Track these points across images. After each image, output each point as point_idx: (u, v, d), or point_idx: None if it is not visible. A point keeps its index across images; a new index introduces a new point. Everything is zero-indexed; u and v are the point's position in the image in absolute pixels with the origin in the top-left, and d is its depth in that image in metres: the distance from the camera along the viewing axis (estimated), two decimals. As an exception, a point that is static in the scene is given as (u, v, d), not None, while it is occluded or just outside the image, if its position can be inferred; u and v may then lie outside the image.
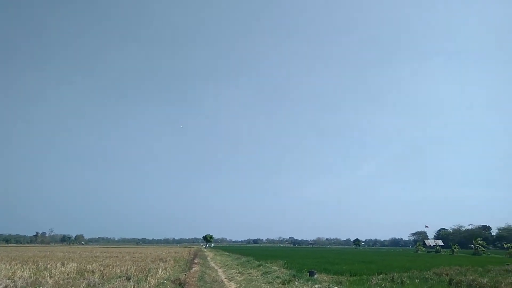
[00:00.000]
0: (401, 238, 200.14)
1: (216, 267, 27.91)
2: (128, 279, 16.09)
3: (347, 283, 15.92)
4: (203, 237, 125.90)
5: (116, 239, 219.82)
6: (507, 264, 27.00)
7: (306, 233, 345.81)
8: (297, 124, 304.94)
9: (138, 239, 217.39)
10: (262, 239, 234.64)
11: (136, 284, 14.23)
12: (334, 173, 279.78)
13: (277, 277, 16.48)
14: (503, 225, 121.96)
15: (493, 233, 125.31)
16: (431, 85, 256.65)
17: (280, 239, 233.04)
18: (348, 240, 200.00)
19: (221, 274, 22.75)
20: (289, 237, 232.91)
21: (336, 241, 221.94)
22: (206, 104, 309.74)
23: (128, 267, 22.13)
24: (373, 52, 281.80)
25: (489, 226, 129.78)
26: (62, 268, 20.98)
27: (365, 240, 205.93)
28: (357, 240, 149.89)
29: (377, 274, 18.98)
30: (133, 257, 35.29)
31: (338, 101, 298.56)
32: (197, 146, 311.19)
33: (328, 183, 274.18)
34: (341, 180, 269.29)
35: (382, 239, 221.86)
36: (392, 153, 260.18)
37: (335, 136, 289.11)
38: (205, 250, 75.00)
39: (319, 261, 30.59)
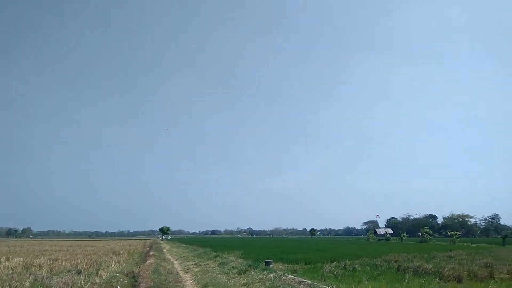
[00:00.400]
0: (354, 227, 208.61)
1: (172, 259, 27.49)
2: (79, 273, 15.44)
3: (302, 271, 16.26)
4: (159, 229, 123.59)
5: (66, 232, 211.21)
6: (450, 251, 28.82)
7: (264, 223, 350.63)
8: (255, 117, 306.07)
9: (91, 232, 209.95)
10: (221, 231, 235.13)
11: (86, 278, 13.66)
12: (291, 165, 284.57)
13: (233, 267, 16.49)
14: (447, 214, 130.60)
15: (439, 222, 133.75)
16: (384, 79, 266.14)
17: (239, 230, 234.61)
18: (304, 230, 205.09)
19: (177, 266, 22.43)
20: (248, 228, 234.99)
21: (293, 231, 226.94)
22: (162, 93, 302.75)
23: (79, 261, 21.24)
24: (329, 46, 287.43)
25: (435, 215, 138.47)
26: (7, 263, 19.76)
27: (321, 229, 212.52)
28: (313, 229, 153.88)
29: (330, 262, 19.57)
30: (85, 251, 33.95)
31: (297, 95, 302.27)
32: (154, 136, 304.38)
33: (286, 175, 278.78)
34: (298, 172, 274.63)
35: (337, 228, 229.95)
36: (347, 146, 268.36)
37: (293, 129, 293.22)
38: (161, 242, 73.69)
39: (276, 250, 31.06)
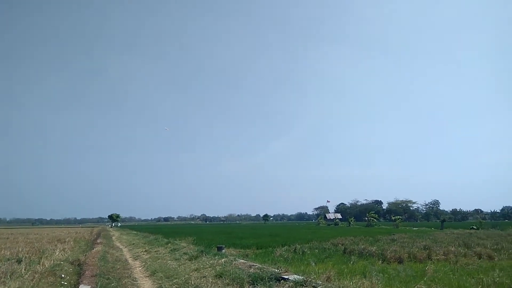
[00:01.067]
0: (306, 213, 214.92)
1: (121, 247, 26.74)
2: (19, 261, 14.50)
3: (253, 256, 16.48)
4: (108, 216, 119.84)
5: (7, 219, 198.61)
6: (393, 234, 30.48)
7: (218, 210, 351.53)
8: (210, 102, 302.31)
9: (34, 220, 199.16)
10: (174, 217, 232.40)
11: (27, 267, 12.86)
12: (245, 151, 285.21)
13: (185, 253, 16.33)
14: (392, 200, 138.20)
15: (384, 207, 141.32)
16: (337, 68, 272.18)
17: (192, 216, 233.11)
18: (258, 215, 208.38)
19: (126, 253, 21.85)
20: (201, 214, 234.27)
21: (247, 217, 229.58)
22: (106, 75, 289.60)
23: (20, 249, 20.00)
24: (280, 35, 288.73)
25: (380, 200, 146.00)
26: None
27: (274, 215, 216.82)
28: (266, 215, 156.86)
29: (282, 246, 19.98)
30: (27, 239, 32.11)
31: (251, 80, 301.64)
32: (103, 120, 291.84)
33: (240, 161, 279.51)
34: (252, 158, 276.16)
35: (289, 214, 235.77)
36: (301, 133, 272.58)
37: (246, 115, 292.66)
38: (110, 229, 71.55)
39: (229, 236, 31.23)
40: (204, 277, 10.14)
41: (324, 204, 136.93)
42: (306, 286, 7.87)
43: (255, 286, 8.48)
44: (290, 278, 8.66)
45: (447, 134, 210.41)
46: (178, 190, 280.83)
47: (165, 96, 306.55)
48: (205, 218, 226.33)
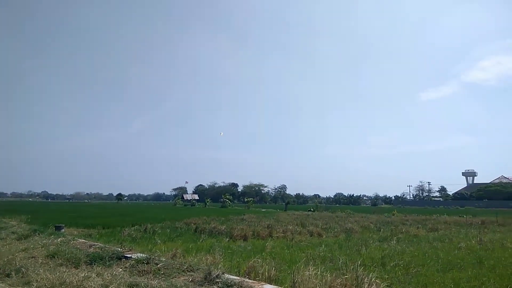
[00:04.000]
0: (164, 193, 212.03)
1: None
2: None
3: (97, 236, 15.44)
4: None
5: None
6: (244, 214, 32.52)
7: (64, 187, 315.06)
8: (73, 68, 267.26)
9: None
10: (6, 193, 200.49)
11: None
12: (99, 126, 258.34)
13: (13, 232, 14.24)
14: (247, 183, 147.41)
15: (240, 190, 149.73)
16: (212, 54, 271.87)
17: (30, 193, 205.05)
18: (110, 195, 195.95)
19: None
20: (42, 191, 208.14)
21: (98, 196, 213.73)
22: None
23: None
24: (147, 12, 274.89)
25: (237, 183, 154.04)
26: None
27: (129, 195, 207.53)
28: (119, 194, 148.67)
29: (131, 226, 19.23)
30: None
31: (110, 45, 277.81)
32: None
33: (91, 136, 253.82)
34: (107, 134, 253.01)
35: (146, 194, 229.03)
36: (163, 111, 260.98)
37: (106, 88, 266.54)
38: None
39: (73, 215, 28.50)
40: (33, 257, 8.98)
41: (183, 185, 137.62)
42: (149, 263, 7.70)
43: (92, 266, 7.91)
44: (133, 256, 8.36)
45: (297, 125, 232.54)
46: (15, 163, 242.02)
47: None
48: (46, 196, 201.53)
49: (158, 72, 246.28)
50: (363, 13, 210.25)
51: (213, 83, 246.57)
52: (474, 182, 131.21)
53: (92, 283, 6.14)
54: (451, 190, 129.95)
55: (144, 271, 7.24)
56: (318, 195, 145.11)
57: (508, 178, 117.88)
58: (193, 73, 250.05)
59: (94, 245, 10.29)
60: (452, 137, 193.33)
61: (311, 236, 17.36)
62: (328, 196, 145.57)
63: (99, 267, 7.71)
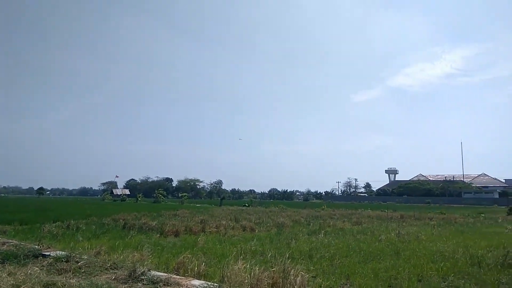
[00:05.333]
0: (91, 188, 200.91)
1: None
2: None
3: (13, 233, 14.17)
4: None
5: None
6: (177, 210, 31.90)
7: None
8: None
9: None
10: None
11: None
12: (19, 113, 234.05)
13: None
14: (182, 178, 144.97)
15: (174, 185, 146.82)
16: (148, 44, 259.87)
17: None
18: (31, 189, 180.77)
19: None
20: None
21: (16, 190, 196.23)
22: None
23: None
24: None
25: (171, 178, 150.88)
26: None
27: (52, 189, 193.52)
28: (41, 188, 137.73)
29: (53, 222, 17.93)
30: None
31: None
32: None
33: (9, 124, 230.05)
34: (28, 123, 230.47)
35: (71, 188, 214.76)
36: (92, 101, 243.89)
37: (29, 74, 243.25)
38: None
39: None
40: None
41: (113, 180, 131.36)
42: (68, 261, 7.22)
43: (4, 265, 7.23)
44: (51, 254, 7.77)
45: (235, 121, 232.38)
46: None
47: None
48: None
49: (87, 59, 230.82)
50: (302, 14, 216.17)
51: (147, 73, 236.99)
52: (396, 179, 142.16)
53: (2, 283, 5.62)
54: (375, 187, 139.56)
55: (63, 269, 6.78)
56: (254, 190, 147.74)
57: (425, 176, 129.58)
58: (125, 61, 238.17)
59: (7, 242, 9.40)
60: (378, 137, 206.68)
61: (244, 231, 17.50)
62: (263, 191, 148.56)
63: (11, 266, 7.09)
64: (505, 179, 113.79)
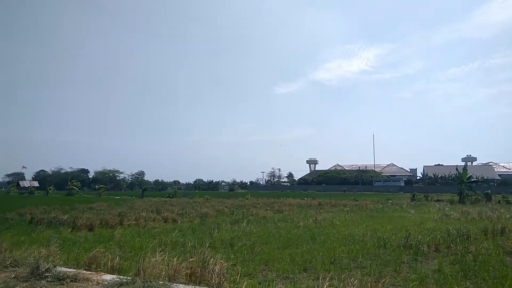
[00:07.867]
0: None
1: None
2: None
3: None
4: None
5: None
6: (93, 203, 30.05)
7: None
8: None
9: None
10: None
11: None
12: None
13: None
14: (100, 169, 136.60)
15: (91, 176, 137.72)
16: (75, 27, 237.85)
17: None
18: None
19: None
20: None
21: None
22: None
23: None
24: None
25: (87, 169, 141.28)
26: None
27: None
28: None
29: None
30: None
31: None
32: None
33: None
34: None
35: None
36: None
37: None
38: None
39: None
40: None
41: (20, 171, 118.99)
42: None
43: None
44: None
45: (157, 110, 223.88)
46: None
47: None
48: None
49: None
50: (231, 9, 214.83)
51: (64, 54, 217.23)
52: (316, 169, 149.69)
53: None
54: (297, 176, 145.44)
55: (-50, 271, 5.95)
56: (178, 181, 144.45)
57: (341, 166, 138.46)
58: (39, 40, 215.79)
59: None
60: (299, 129, 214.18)
61: (165, 223, 17.05)
62: (188, 182, 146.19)
63: None
64: (410, 169, 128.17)
